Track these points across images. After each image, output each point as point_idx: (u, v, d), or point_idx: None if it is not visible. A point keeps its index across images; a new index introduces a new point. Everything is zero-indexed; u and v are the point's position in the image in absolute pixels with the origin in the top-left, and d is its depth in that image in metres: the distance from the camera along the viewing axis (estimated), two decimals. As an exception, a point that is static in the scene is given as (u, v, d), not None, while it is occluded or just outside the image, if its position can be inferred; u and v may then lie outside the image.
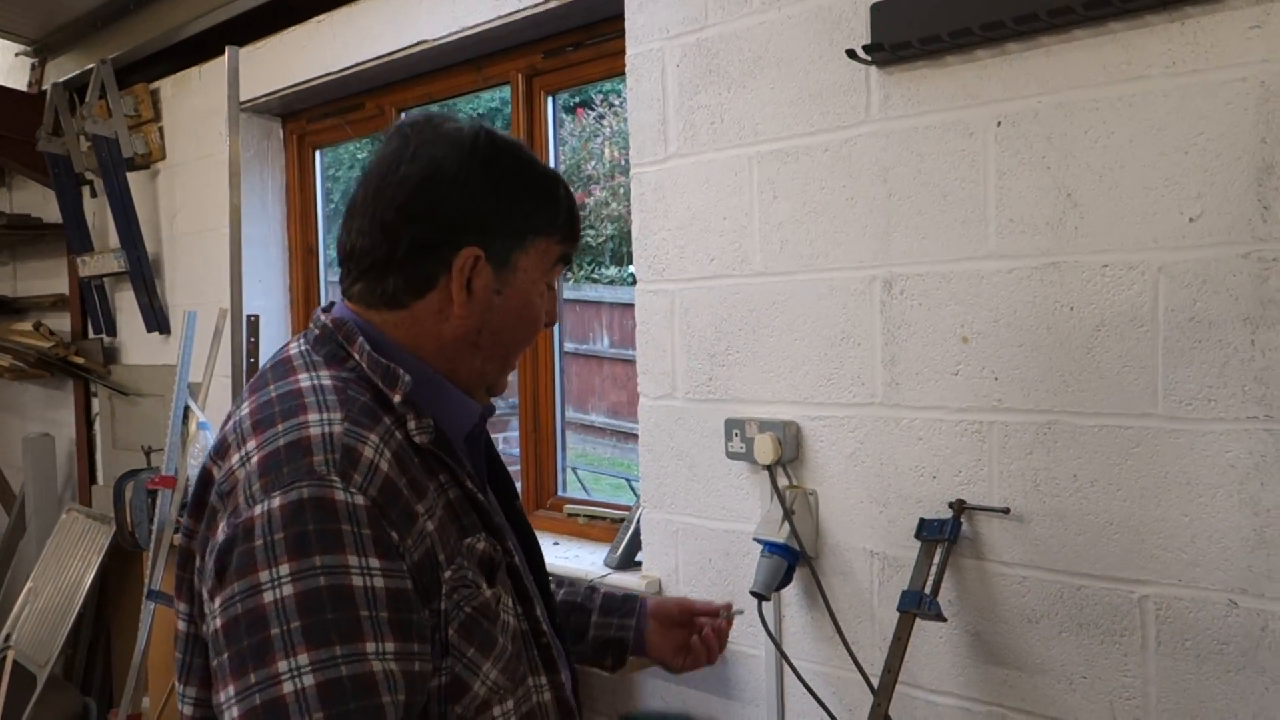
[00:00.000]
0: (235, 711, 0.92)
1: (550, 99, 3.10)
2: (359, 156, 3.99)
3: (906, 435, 2.03)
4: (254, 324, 3.56)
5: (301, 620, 0.92)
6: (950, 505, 1.95)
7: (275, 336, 3.88)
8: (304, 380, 1.09)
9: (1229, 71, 1.64)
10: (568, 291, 5.92)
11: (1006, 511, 1.88)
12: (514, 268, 1.17)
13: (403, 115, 3.58)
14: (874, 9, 2.02)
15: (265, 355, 3.87)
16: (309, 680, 0.90)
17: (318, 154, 3.99)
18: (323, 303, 4.19)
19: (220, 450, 1.07)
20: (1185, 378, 1.69)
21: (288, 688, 0.90)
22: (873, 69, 2.06)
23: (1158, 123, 1.70)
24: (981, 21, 1.83)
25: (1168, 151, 1.70)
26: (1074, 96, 1.79)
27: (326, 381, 1.09)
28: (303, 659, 0.91)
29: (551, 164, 3.12)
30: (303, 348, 1.16)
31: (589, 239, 6.34)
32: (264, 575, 0.94)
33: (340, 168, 4.53)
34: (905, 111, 2.01)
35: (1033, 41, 1.84)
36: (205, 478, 1.09)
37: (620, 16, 2.52)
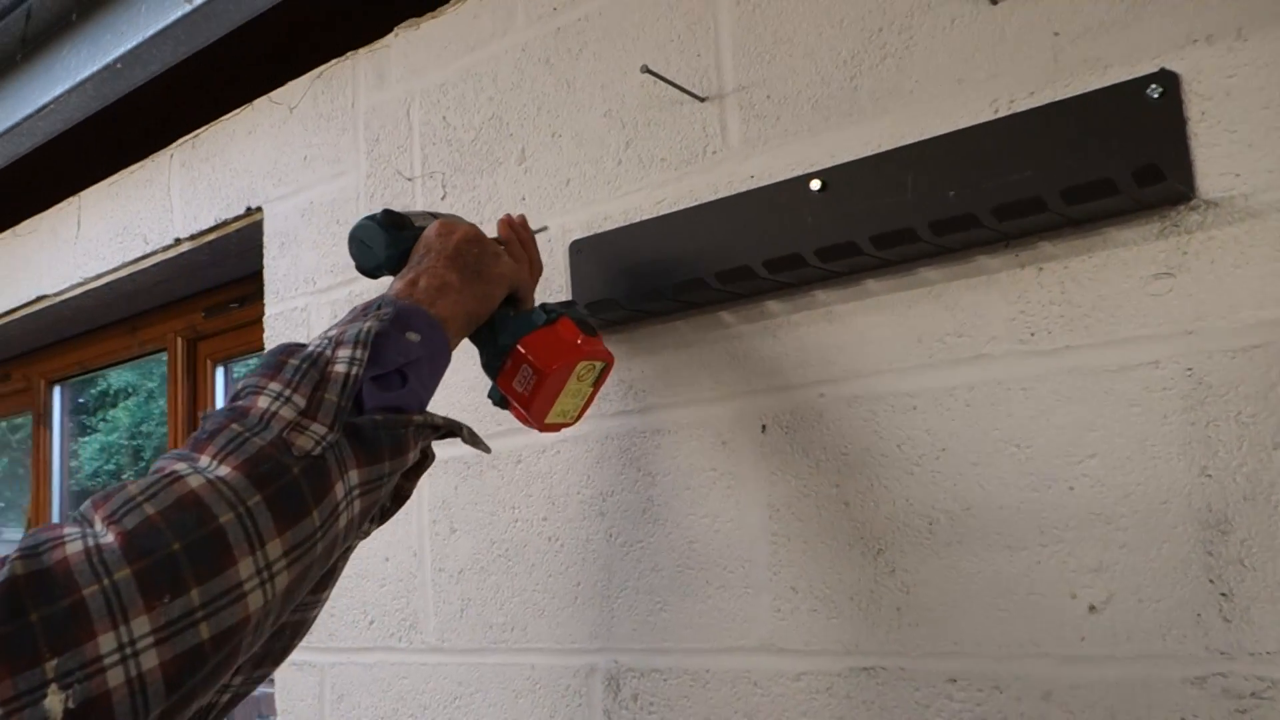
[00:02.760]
0: None
1: (222, 369, 2.31)
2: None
3: None
4: None
5: None
6: None
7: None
8: None
9: (1130, 350, 0.94)
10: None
11: None
12: None
13: (56, 389, 2.74)
14: (574, 248, 1.30)
15: None
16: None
17: (-34, 436, 3.08)
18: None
19: None
20: None
21: None
22: (578, 339, 1.32)
23: (1017, 435, 0.99)
24: (720, 269, 1.11)
25: (1039, 485, 0.97)
26: (878, 388, 1.07)
27: None
28: None
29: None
30: None
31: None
32: None
33: None
34: (625, 405, 1.27)
35: (804, 299, 1.13)
36: None
37: (266, 263, 1.77)
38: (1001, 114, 1.01)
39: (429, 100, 1.52)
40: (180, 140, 1.93)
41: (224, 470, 0.68)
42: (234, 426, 0.72)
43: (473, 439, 0.91)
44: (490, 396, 1.08)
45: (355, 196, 1.60)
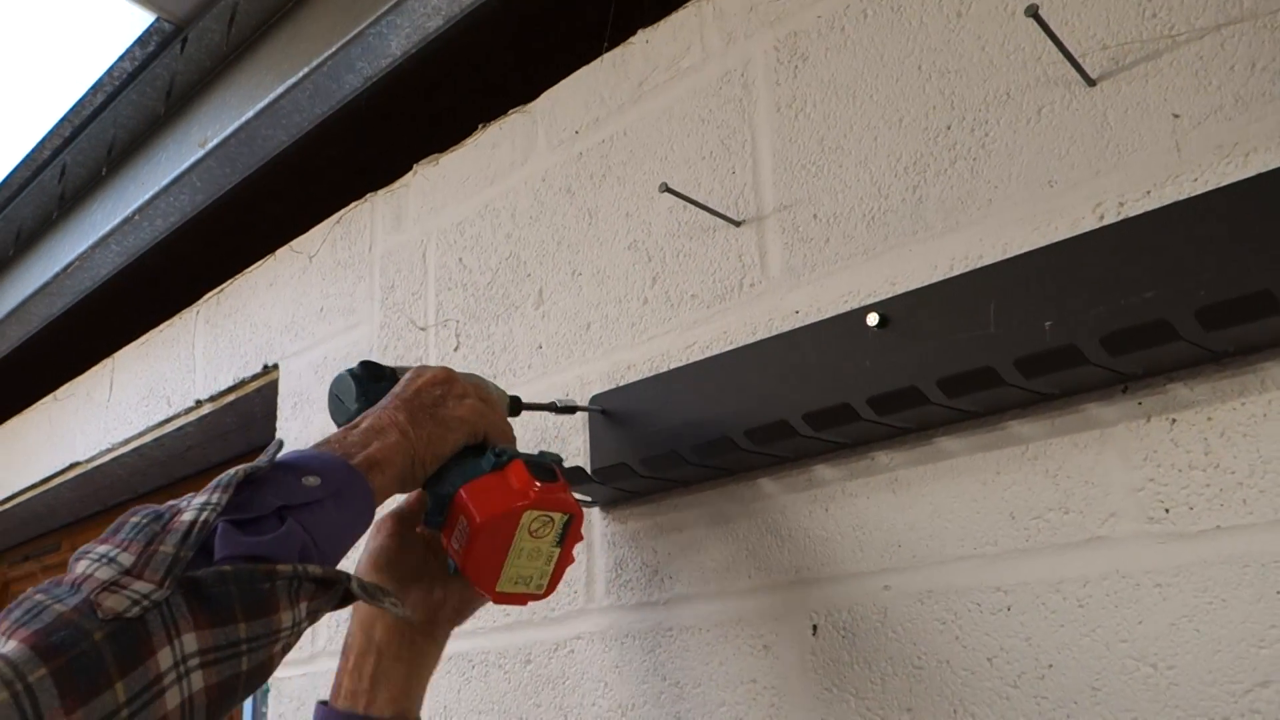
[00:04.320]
0: None
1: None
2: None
3: None
4: None
5: None
6: None
7: None
8: None
9: (1308, 532, 0.67)
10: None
11: None
12: None
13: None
14: (593, 404, 1.09)
15: None
16: None
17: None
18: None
19: None
20: None
21: None
22: (594, 512, 1.10)
23: (1152, 651, 0.72)
24: (751, 425, 0.88)
25: (1189, 721, 0.69)
26: (958, 580, 0.82)
27: None
28: None
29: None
30: None
31: None
32: None
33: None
34: (649, 595, 1.03)
35: (861, 462, 0.89)
36: None
37: (284, 425, 1.60)
38: (1109, 220, 0.78)
39: (445, 241, 1.35)
40: (207, 295, 1.81)
41: (10, 645, 0.54)
42: (37, 597, 0.58)
43: (371, 594, 0.70)
44: (450, 562, 0.86)
45: (368, 350, 1.43)
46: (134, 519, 0.63)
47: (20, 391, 2.35)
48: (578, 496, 1.05)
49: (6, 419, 2.44)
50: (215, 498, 0.64)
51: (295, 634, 0.67)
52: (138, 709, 0.56)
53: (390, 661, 0.86)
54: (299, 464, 0.71)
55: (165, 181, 1.58)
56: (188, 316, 1.86)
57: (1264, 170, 0.71)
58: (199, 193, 1.60)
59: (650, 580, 1.03)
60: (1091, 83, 0.80)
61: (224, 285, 1.78)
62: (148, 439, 1.94)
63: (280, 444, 0.73)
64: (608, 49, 1.18)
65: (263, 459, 0.70)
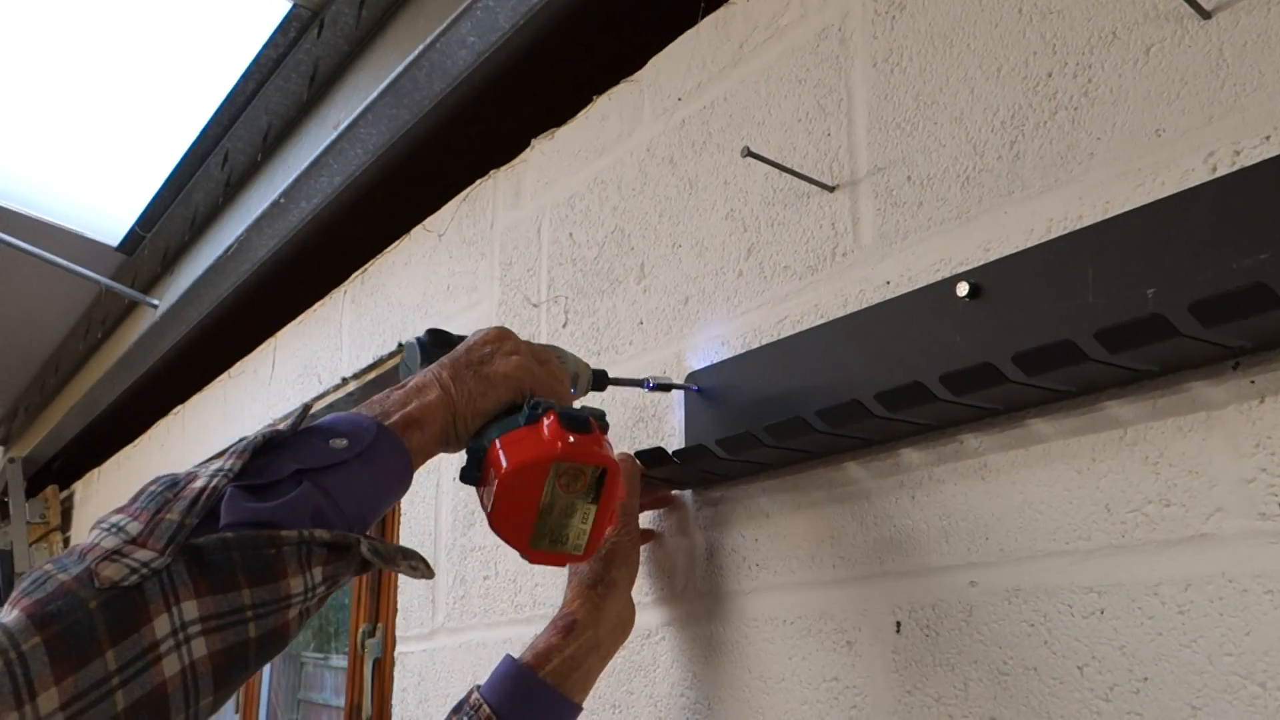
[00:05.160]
0: None
1: (409, 517, 2.19)
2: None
3: None
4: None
5: None
6: None
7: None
8: None
9: None
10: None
11: None
12: None
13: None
14: (690, 381, 1.05)
15: None
16: None
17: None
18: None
19: None
20: None
21: None
22: (687, 495, 1.06)
23: (1260, 667, 0.62)
24: (824, 405, 0.82)
25: (1302, 751, 0.59)
26: (1048, 577, 0.73)
27: None
28: None
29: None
30: None
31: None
32: None
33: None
34: (740, 584, 0.98)
35: (948, 445, 0.81)
36: None
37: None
38: (1222, 172, 0.68)
39: (558, 216, 1.33)
40: (353, 276, 1.86)
41: (12, 615, 0.56)
42: (46, 566, 0.59)
43: (386, 558, 0.69)
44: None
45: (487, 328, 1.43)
46: (152, 486, 0.64)
47: (201, 369, 2.48)
48: (672, 487, 1.02)
49: (190, 395, 2.59)
50: (229, 463, 0.65)
51: (313, 599, 0.67)
52: (130, 676, 0.56)
53: (599, 660, 0.92)
54: (327, 427, 0.72)
55: (305, 165, 1.62)
56: (337, 296, 1.91)
57: None
58: (336, 174, 1.63)
59: (739, 567, 0.98)
60: (1206, 15, 0.70)
61: (367, 265, 1.82)
62: (321, 409, 2.01)
63: (306, 408, 0.73)
64: (705, 11, 1.13)
65: (286, 424, 0.70)
